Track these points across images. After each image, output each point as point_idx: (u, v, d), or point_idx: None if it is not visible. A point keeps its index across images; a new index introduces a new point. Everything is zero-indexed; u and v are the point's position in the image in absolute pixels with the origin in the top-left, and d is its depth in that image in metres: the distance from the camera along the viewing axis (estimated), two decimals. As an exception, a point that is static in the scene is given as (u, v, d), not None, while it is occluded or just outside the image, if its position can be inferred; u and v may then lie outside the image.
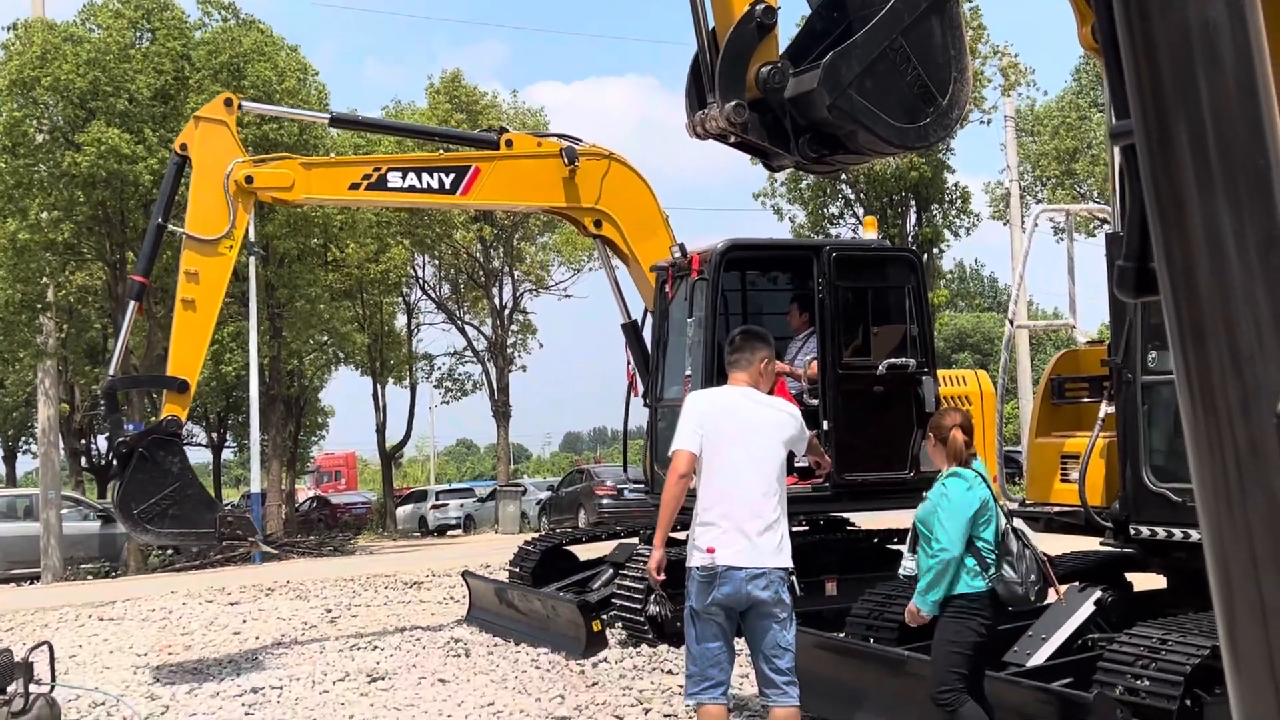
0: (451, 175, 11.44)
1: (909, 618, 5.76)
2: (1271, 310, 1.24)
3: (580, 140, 12.14)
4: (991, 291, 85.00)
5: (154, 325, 26.88)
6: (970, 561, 5.66)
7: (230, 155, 10.80)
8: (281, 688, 9.49)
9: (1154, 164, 1.29)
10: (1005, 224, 34.26)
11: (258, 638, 12.20)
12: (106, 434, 43.90)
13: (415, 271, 39.70)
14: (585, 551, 13.18)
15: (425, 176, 11.34)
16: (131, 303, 11.00)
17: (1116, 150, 6.68)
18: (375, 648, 11.17)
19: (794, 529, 11.05)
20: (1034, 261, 30.58)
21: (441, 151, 11.92)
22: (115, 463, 10.48)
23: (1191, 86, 1.26)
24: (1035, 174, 37.49)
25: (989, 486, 5.75)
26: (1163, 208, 1.29)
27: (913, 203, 33.43)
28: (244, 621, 13.42)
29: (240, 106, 11.07)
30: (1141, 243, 1.38)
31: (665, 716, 7.99)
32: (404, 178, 11.28)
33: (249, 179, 10.75)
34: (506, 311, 40.62)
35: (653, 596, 10.17)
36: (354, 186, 11.26)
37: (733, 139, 7.01)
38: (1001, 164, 35.26)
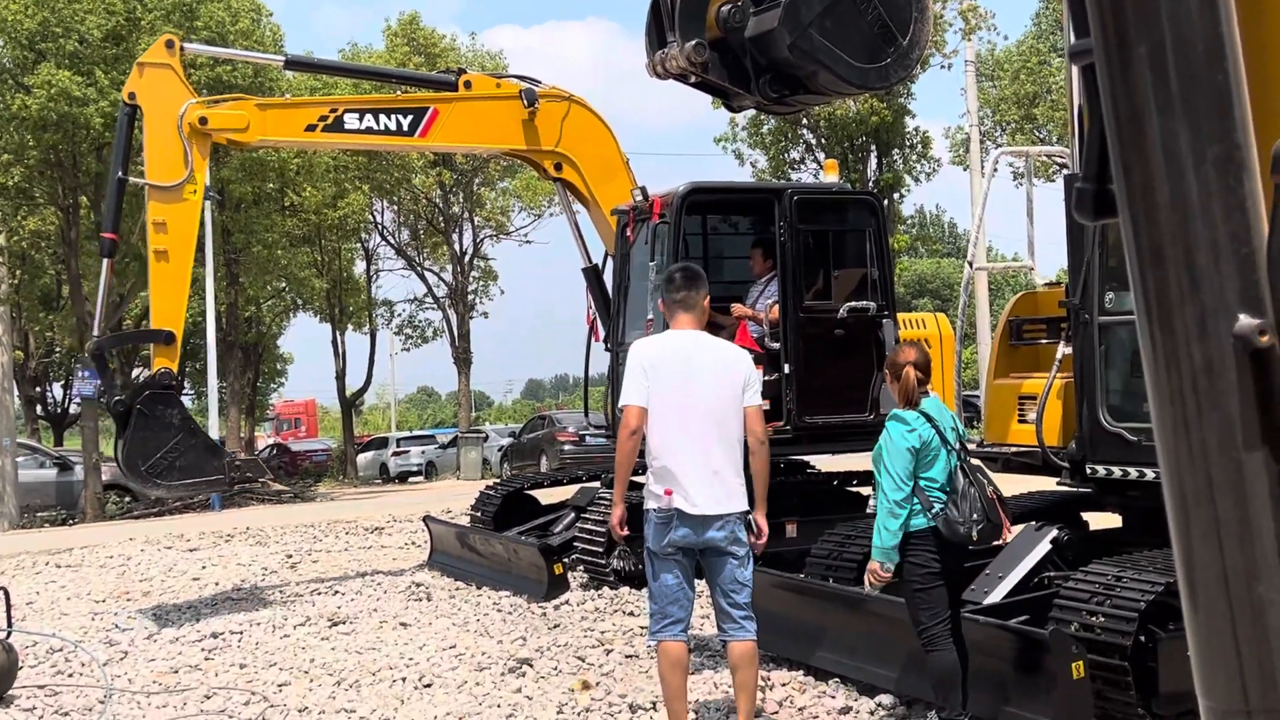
0: (409, 117, 11.30)
1: (871, 578, 5.76)
2: (1229, 230, 1.23)
3: (540, 82, 12.01)
4: (951, 237, 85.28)
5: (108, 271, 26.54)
6: (914, 501, 5.70)
7: (180, 98, 10.61)
8: (241, 632, 9.48)
9: (1113, 82, 1.27)
10: (965, 169, 34.28)
11: (217, 584, 12.17)
12: (68, 387, 43.61)
13: (374, 217, 39.39)
14: (547, 496, 13.20)
15: (383, 118, 11.19)
16: (105, 261, 10.88)
17: (1074, 72, 6.68)
18: (336, 592, 11.17)
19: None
20: (993, 206, 30.64)
21: (399, 93, 11.76)
22: (114, 422, 10.38)
23: (1151, 3, 1.24)
24: (995, 119, 37.51)
25: (935, 425, 5.75)
26: (1121, 127, 1.27)
27: (873, 147, 33.42)
28: (203, 568, 13.38)
29: (183, 48, 10.84)
30: (1100, 164, 1.36)
31: (627, 657, 8.04)
32: (361, 119, 11.13)
33: (203, 120, 10.58)
34: (467, 257, 40.42)
35: (616, 550, 10.24)
36: (310, 128, 11.10)
37: (693, 79, 6.98)
38: (961, 109, 35.30)
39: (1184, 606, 1.32)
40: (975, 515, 5.70)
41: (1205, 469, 1.25)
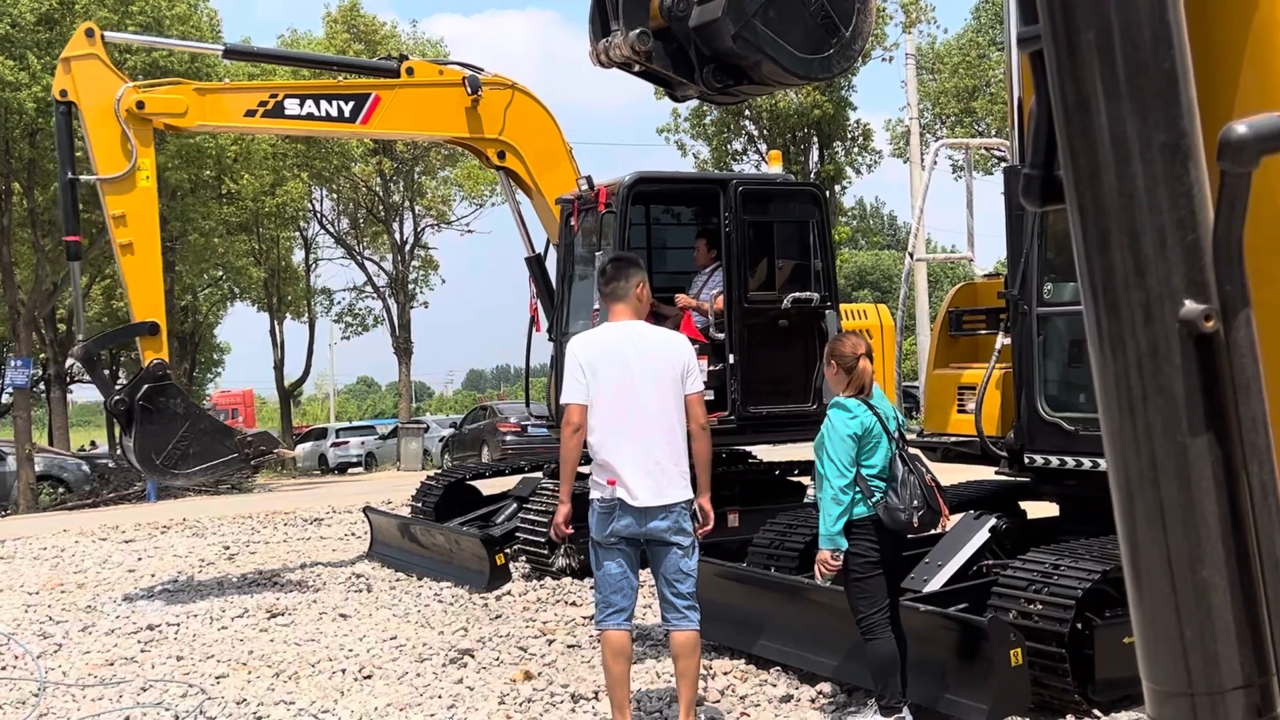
0: (351, 103, 11.18)
1: (822, 568, 5.78)
2: (1175, 216, 1.24)
3: (483, 70, 11.93)
4: (891, 229, 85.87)
5: (41, 258, 26.15)
6: (854, 489, 5.73)
7: (112, 85, 10.44)
8: (178, 624, 9.36)
9: (1060, 68, 1.28)
10: (905, 161, 34.52)
11: (153, 575, 12.00)
12: (0, 377, 42.83)
13: (313, 205, 39.00)
14: (489, 486, 13.14)
15: (324, 104, 11.06)
16: (74, 264, 11.00)
17: (1014, 64, 6.73)
18: (275, 584, 11.06)
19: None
20: (933, 198, 30.87)
21: (340, 79, 11.62)
22: (116, 422, 10.64)
23: (1100, -11, 1.24)
24: (935, 112, 37.84)
25: (876, 413, 5.78)
26: (1069, 113, 1.27)
27: (815, 139, 33.57)
28: (139, 559, 13.20)
29: (104, 36, 10.64)
30: (1047, 151, 1.36)
31: (569, 647, 8.02)
32: (302, 105, 11.00)
33: (140, 105, 10.42)
34: (407, 247, 40.14)
35: (562, 549, 10.21)
36: (250, 113, 10.95)
37: (637, 68, 6.95)
38: (902, 101, 35.52)
39: (1128, 589, 1.33)
40: (916, 502, 5.74)
41: (1150, 452, 1.26)
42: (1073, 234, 1.29)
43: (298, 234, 39.76)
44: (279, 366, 40.28)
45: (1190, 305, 1.23)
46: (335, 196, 39.73)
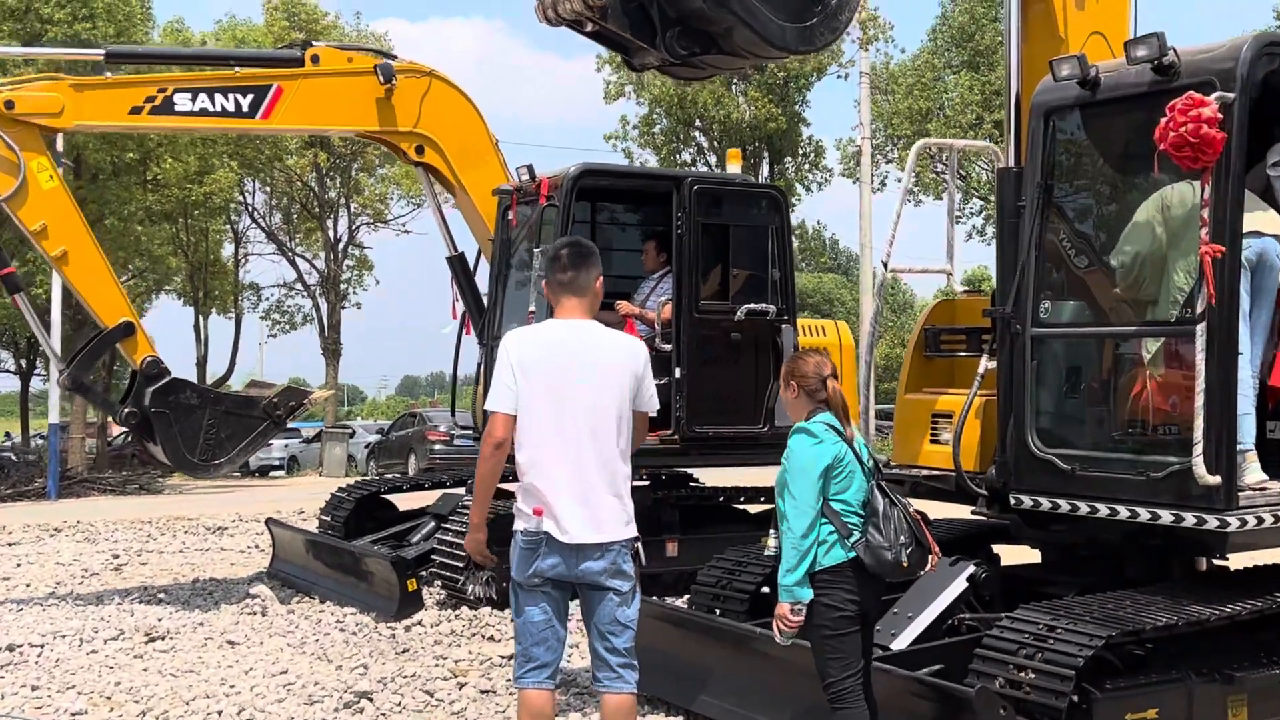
0: (250, 96, 10.06)
1: (781, 624, 4.84)
2: None
3: (396, 57, 10.94)
4: (834, 254, 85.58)
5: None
6: (827, 529, 4.80)
7: None
8: (43, 646, 8.31)
9: None
10: (855, 182, 33.83)
11: (29, 585, 10.88)
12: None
13: (244, 197, 37.59)
14: (407, 501, 12.11)
15: (219, 98, 9.95)
16: (19, 297, 10.07)
17: (1013, 58, 5.87)
18: (160, 601, 9.99)
19: (634, 484, 10.24)
20: (879, 222, 29.70)
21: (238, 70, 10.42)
22: (132, 435, 10.24)
23: None
24: (888, 132, 37.18)
25: (844, 438, 4.88)
26: None
27: (766, 153, 32.84)
28: (17, 565, 12.06)
29: None
30: None
31: (482, 693, 7.04)
32: (194, 99, 9.87)
33: (10, 105, 9.33)
34: (341, 245, 38.89)
35: (484, 576, 9.22)
36: (135, 110, 9.81)
37: (589, 27, 6.01)
38: (854, 121, 34.85)
39: None
40: (903, 538, 4.83)
41: None
42: None
43: (227, 227, 38.31)
44: (201, 364, 38.76)
45: None
46: (269, 189, 38.37)
